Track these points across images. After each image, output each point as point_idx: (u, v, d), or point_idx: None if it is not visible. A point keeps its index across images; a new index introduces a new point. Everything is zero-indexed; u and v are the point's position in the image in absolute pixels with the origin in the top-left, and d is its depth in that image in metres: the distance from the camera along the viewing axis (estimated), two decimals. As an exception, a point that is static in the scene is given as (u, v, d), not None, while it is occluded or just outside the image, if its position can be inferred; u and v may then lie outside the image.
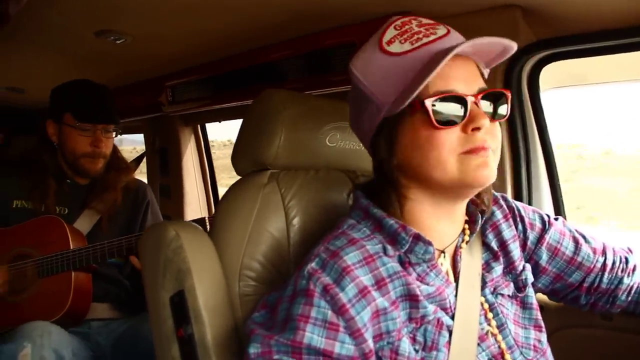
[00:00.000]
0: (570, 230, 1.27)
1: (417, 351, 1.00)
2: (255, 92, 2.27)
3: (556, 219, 1.28)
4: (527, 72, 1.67)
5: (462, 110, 0.96)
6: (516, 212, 1.24)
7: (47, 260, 1.97)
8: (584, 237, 1.27)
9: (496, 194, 1.24)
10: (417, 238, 1.02)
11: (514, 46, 0.99)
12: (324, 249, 1.02)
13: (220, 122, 2.84)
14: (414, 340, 1.01)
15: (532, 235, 1.23)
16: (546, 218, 1.26)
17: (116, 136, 2.14)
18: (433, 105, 0.95)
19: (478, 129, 0.97)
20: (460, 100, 0.97)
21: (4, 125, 3.40)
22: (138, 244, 1.30)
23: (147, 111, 2.99)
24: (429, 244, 1.03)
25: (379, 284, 0.99)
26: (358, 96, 1.06)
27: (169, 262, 1.16)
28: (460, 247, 1.13)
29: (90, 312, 2.06)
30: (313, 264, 0.99)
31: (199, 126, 3.14)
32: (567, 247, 1.24)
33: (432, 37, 1.00)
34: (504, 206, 1.23)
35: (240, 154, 1.37)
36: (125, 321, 2.14)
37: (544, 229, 1.24)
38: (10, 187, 2.08)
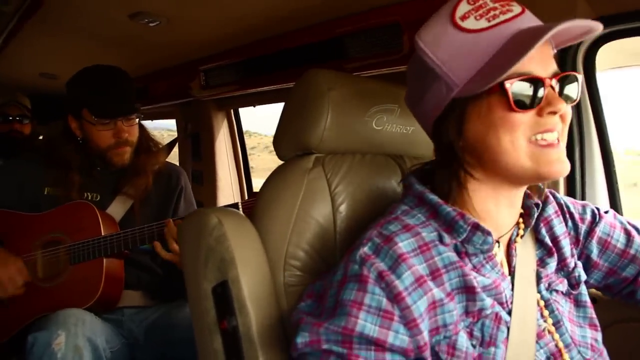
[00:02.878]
0: (621, 223, 1.21)
1: (474, 347, 0.95)
2: (292, 75, 2.26)
3: (606, 212, 1.22)
4: (582, 53, 1.57)
5: (540, 92, 0.91)
6: (565, 208, 1.19)
7: (79, 246, 1.94)
8: (637, 229, 1.21)
9: (545, 190, 1.17)
10: (476, 227, 0.97)
11: (599, 28, 0.93)
12: (376, 233, 0.96)
13: (254, 106, 2.78)
14: (471, 335, 0.96)
15: (582, 230, 1.18)
16: (596, 211, 1.21)
17: (139, 121, 2.08)
18: (512, 87, 0.90)
19: (554, 112, 0.92)
20: (538, 82, 0.91)
21: (37, 111, 3.37)
22: (177, 231, 1.25)
23: (180, 96, 2.94)
24: (488, 233, 0.97)
25: (434, 274, 0.94)
26: (422, 73, 0.99)
27: (212, 251, 1.10)
28: (515, 241, 1.07)
29: (123, 300, 2.03)
30: (365, 249, 0.94)
31: (232, 111, 3.08)
32: (619, 239, 1.18)
33: (509, 15, 0.94)
34: (554, 202, 1.18)
35: (283, 137, 1.31)
36: (158, 308, 2.11)
37: (594, 222, 1.19)
38: (41, 174, 2.05)
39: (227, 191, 3.04)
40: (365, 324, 0.86)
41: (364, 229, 1.02)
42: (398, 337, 0.87)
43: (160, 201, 2.17)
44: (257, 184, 3.23)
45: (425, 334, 0.89)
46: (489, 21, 0.92)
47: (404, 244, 0.93)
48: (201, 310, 1.13)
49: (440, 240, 0.97)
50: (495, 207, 1.02)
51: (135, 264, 2.07)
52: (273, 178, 1.25)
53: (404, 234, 0.95)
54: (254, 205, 1.24)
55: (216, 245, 1.10)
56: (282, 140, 1.31)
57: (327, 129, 1.23)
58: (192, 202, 2.29)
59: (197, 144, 3.13)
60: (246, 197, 3.07)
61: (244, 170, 3.11)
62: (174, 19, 2.07)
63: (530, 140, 0.92)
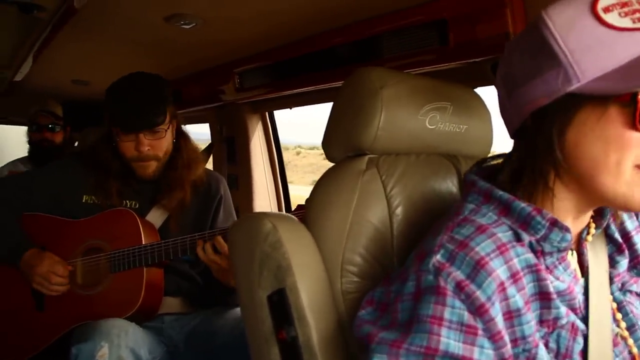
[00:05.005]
0: None
1: None
2: (330, 76, 2.22)
3: None
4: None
5: None
6: None
7: (120, 255, 1.92)
8: None
9: None
10: (554, 223, 0.90)
11: None
12: (447, 238, 0.90)
13: (290, 108, 2.74)
14: (546, 346, 0.89)
15: None
16: None
17: (166, 135, 2.00)
18: None
19: None
20: None
21: (69, 117, 3.37)
22: (227, 237, 1.21)
23: (214, 99, 2.91)
24: (567, 230, 0.90)
25: (515, 277, 0.87)
26: (539, 54, 0.89)
27: (267, 258, 1.06)
28: (585, 240, 1.01)
29: (162, 307, 2.01)
30: (438, 257, 0.87)
31: (267, 114, 3.04)
32: None
33: None
34: None
35: (333, 138, 1.26)
36: (197, 315, 2.09)
37: None
38: (79, 182, 2.03)
39: (263, 195, 3.00)
40: (449, 341, 0.81)
41: (422, 233, 0.97)
42: (484, 352, 0.81)
43: (199, 211, 2.13)
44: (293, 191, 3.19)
45: (509, 347, 0.84)
46: (634, 22, 0.84)
47: (481, 247, 0.86)
48: (256, 319, 1.08)
49: (517, 239, 0.91)
50: (573, 214, 0.96)
51: (175, 271, 2.04)
52: (325, 181, 1.21)
53: (479, 236, 0.88)
54: (305, 209, 1.20)
55: (271, 252, 1.05)
56: (332, 141, 1.26)
57: (380, 128, 1.18)
58: (232, 211, 2.25)
59: (232, 147, 3.10)
60: (282, 201, 3.03)
61: (279, 174, 3.07)
62: (210, 19, 2.03)
63: (636, 166, 0.84)
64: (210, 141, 3.26)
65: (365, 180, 1.17)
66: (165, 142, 2.00)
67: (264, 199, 2.99)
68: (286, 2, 1.83)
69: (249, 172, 3.01)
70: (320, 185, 1.20)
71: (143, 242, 1.91)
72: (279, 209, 3.04)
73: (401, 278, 0.91)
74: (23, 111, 3.41)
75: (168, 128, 2.00)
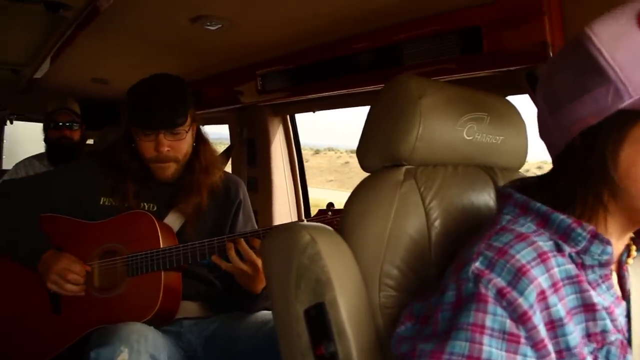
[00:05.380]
0: None
1: None
2: (356, 82, 2.19)
3: None
4: None
5: None
6: None
7: (137, 258, 1.89)
8: None
9: None
10: (595, 236, 0.87)
11: None
12: (485, 246, 0.87)
13: (314, 112, 2.71)
14: None
15: None
16: None
17: (186, 136, 1.97)
18: None
19: None
20: None
21: (88, 117, 3.36)
22: (260, 248, 1.18)
23: (235, 101, 2.89)
24: (607, 242, 0.87)
25: (555, 286, 0.84)
26: (585, 71, 0.86)
27: (305, 271, 1.03)
28: (626, 263, 0.98)
29: (181, 311, 1.97)
30: (477, 264, 0.85)
31: (288, 117, 3.02)
32: None
33: None
34: None
35: (369, 147, 1.24)
36: (215, 319, 2.05)
37: None
38: (97, 183, 2.00)
39: (283, 198, 2.97)
40: (491, 349, 0.79)
41: (460, 246, 0.95)
42: None
43: (217, 215, 2.10)
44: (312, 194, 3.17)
45: (554, 356, 0.81)
46: None
47: (521, 255, 0.84)
48: (291, 333, 1.06)
49: (557, 249, 0.88)
50: (617, 234, 0.93)
51: (193, 275, 2.01)
52: (361, 191, 1.18)
53: (519, 243, 0.86)
54: (341, 220, 1.17)
55: (310, 265, 1.03)
56: (368, 151, 1.24)
57: (419, 139, 1.16)
58: (251, 215, 2.21)
59: (252, 150, 3.08)
60: (302, 205, 3.01)
61: (300, 178, 3.05)
62: (237, 22, 2.01)
63: None
64: (228, 142, 3.25)
65: (403, 191, 1.14)
66: (185, 144, 1.97)
67: (283, 203, 2.97)
68: (317, 7, 1.81)
69: (269, 175, 2.98)
70: (357, 196, 1.18)
71: (161, 246, 1.88)
72: (299, 213, 3.01)
73: (440, 290, 0.89)
74: (40, 109, 3.38)
75: (188, 130, 1.97)
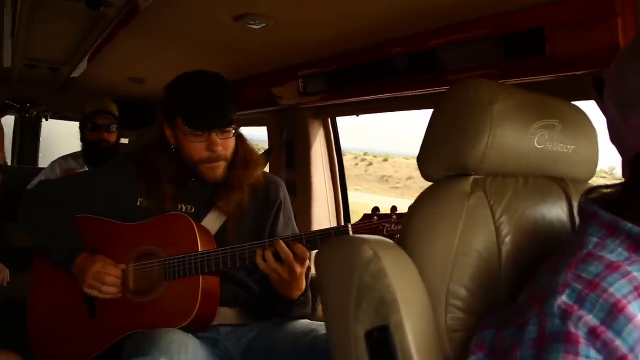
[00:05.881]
0: None
1: None
2: (401, 85, 2.11)
3: None
4: None
5: None
6: None
7: (175, 262, 1.83)
8: None
9: None
10: None
11: None
12: (573, 276, 0.77)
13: (357, 115, 2.63)
14: None
15: None
16: None
17: (235, 135, 1.92)
18: None
19: None
20: None
21: (124, 117, 3.34)
22: (314, 260, 1.10)
23: (274, 103, 2.83)
24: None
25: None
26: None
27: (368, 290, 0.95)
28: None
29: (218, 317, 1.91)
30: (564, 298, 0.75)
31: (329, 120, 2.94)
32: None
33: None
34: None
35: (432, 155, 1.15)
36: (253, 327, 1.98)
37: None
38: (134, 185, 1.96)
39: (322, 203, 2.89)
40: None
41: (533, 265, 0.87)
42: None
43: (258, 216, 2.03)
44: (353, 198, 3.09)
45: None
46: None
47: (615, 288, 0.74)
48: (349, 355, 0.97)
49: None
50: None
51: (231, 279, 1.94)
52: (424, 202, 1.10)
53: (612, 275, 0.76)
54: (402, 234, 1.09)
55: (374, 283, 0.94)
56: (431, 159, 1.15)
57: (489, 147, 1.07)
58: (292, 217, 2.14)
59: (291, 153, 3.01)
60: (342, 210, 2.93)
61: (340, 182, 2.97)
62: (282, 21, 1.94)
63: None
64: (266, 144, 3.19)
65: (471, 204, 1.05)
66: (233, 142, 1.92)
67: (322, 208, 2.89)
68: (365, 6, 1.73)
69: (309, 179, 2.91)
70: (420, 207, 1.09)
71: (199, 249, 1.82)
72: (338, 218, 2.93)
73: (517, 322, 0.80)
74: (77, 107, 3.38)
75: (236, 128, 1.93)
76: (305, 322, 1.93)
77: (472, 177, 1.10)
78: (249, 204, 1.97)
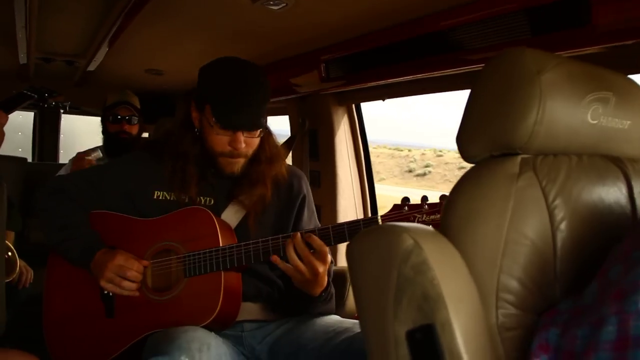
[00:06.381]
0: None
1: None
2: (431, 65, 1.99)
3: None
4: None
5: None
6: None
7: (195, 258, 1.76)
8: None
9: None
10: None
11: None
12: None
13: (383, 100, 2.52)
14: None
15: None
16: None
17: (260, 135, 1.84)
18: None
19: None
20: None
21: (141, 109, 3.28)
22: (346, 252, 0.99)
23: (295, 90, 2.73)
24: None
25: None
26: None
27: (408, 284, 0.84)
28: None
29: (241, 313, 1.83)
30: None
31: (353, 106, 2.84)
32: None
33: None
34: None
35: (473, 134, 1.04)
36: (280, 324, 1.91)
37: None
38: (151, 175, 1.89)
39: (348, 193, 2.79)
40: None
41: (593, 255, 0.80)
42: None
43: (280, 210, 1.96)
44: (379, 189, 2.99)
45: None
46: None
47: None
48: (388, 357, 0.87)
49: None
50: None
51: (254, 273, 1.87)
52: (467, 185, 0.99)
53: None
54: (443, 221, 0.98)
55: (415, 277, 0.83)
56: (473, 138, 1.04)
57: (538, 122, 0.96)
58: (314, 211, 2.07)
59: (314, 142, 2.92)
60: (369, 201, 2.83)
61: (366, 172, 2.87)
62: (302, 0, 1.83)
63: None
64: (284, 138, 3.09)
65: (521, 186, 0.94)
66: (257, 141, 1.85)
67: (348, 198, 2.78)
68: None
69: (333, 169, 2.81)
70: (462, 191, 0.98)
71: (220, 244, 1.75)
72: (365, 209, 2.83)
73: (589, 320, 0.69)
74: (95, 101, 3.34)
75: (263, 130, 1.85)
76: (335, 319, 1.85)
77: (520, 156, 0.99)
78: (271, 198, 1.91)
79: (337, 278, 2.07)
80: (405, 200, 1.65)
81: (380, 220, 1.63)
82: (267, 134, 1.92)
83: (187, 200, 1.85)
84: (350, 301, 2.13)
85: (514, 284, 0.89)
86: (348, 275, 2.12)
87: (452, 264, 0.86)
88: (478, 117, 1.04)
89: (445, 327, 0.80)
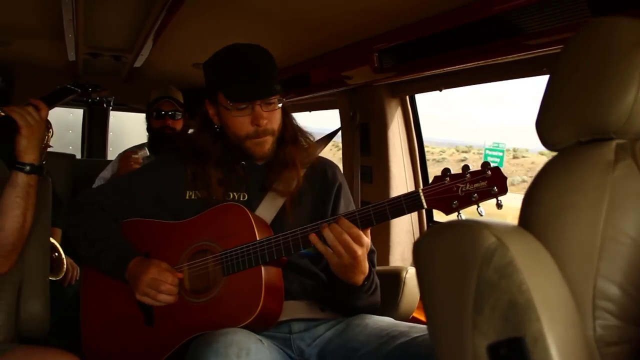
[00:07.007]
0: None
1: None
2: (497, 50, 1.85)
3: None
4: None
5: None
6: None
7: (232, 254, 1.70)
8: None
9: None
10: None
11: None
12: None
13: (440, 90, 2.40)
14: None
15: None
16: None
17: (280, 106, 1.82)
18: None
19: None
20: None
21: (188, 105, 3.26)
22: (413, 250, 0.88)
23: (346, 82, 2.63)
24: None
25: None
26: None
27: (492, 289, 0.72)
28: None
29: (286, 312, 1.76)
30: None
31: (407, 98, 2.72)
32: None
33: None
34: None
35: (558, 118, 0.92)
36: (330, 325, 1.81)
37: None
38: (179, 177, 1.86)
39: (401, 190, 2.65)
40: None
41: None
42: None
43: (316, 199, 1.91)
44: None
45: None
46: None
47: None
48: (465, 373, 0.75)
49: None
50: None
51: (296, 268, 1.80)
52: (552, 176, 0.86)
53: None
54: (523, 216, 0.85)
55: (500, 281, 0.71)
56: (556, 122, 0.92)
57: (638, 102, 0.82)
58: (351, 200, 2.01)
59: (366, 136, 2.82)
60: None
61: (420, 167, 2.75)
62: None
63: None
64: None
65: (618, 175, 0.82)
66: (278, 114, 1.83)
67: (402, 195, 2.68)
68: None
69: (386, 165, 2.70)
70: (547, 182, 0.85)
71: (257, 238, 1.69)
72: (420, 207, 2.72)
73: None
74: (142, 98, 3.35)
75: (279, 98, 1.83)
76: (390, 322, 1.75)
77: (614, 142, 0.86)
78: (305, 187, 1.87)
79: (389, 277, 2.02)
80: (446, 171, 1.57)
81: (422, 194, 1.55)
82: (287, 115, 1.91)
83: (215, 199, 1.82)
84: (404, 303, 2.05)
85: (613, 290, 0.76)
86: (402, 275, 2.03)
87: (542, 266, 0.74)
88: (562, 99, 0.91)
89: (538, 342, 0.67)
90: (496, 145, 4.96)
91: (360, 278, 1.67)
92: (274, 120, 1.80)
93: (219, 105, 1.80)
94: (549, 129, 0.92)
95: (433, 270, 0.82)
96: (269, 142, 1.81)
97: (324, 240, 1.62)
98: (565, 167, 0.86)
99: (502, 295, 0.71)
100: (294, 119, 1.94)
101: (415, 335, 1.58)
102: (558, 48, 1.60)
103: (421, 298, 0.86)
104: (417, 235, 2.71)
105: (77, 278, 2.67)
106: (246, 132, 1.78)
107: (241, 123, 1.77)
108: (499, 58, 1.90)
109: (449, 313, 0.78)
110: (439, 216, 2.74)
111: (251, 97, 1.75)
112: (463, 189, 1.53)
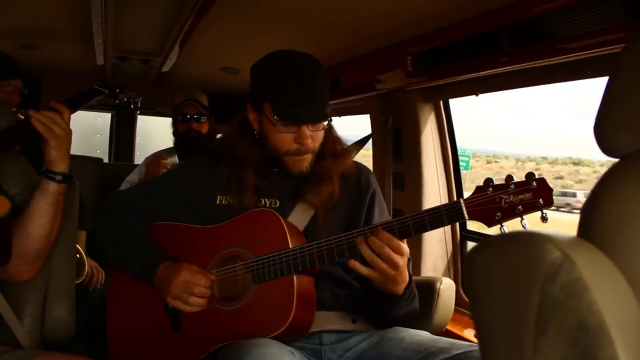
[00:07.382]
0: None
1: None
2: (535, 53, 1.79)
3: None
4: None
5: None
6: None
7: (264, 262, 1.66)
8: None
9: None
10: None
11: None
12: None
13: (477, 95, 2.34)
14: None
15: None
16: None
17: (325, 128, 1.77)
18: None
19: None
20: None
21: (217, 109, 3.26)
22: (465, 262, 0.82)
23: (377, 86, 2.59)
24: None
25: None
26: None
27: (557, 309, 0.65)
28: None
29: (318, 323, 1.72)
30: None
31: (441, 102, 2.68)
32: None
33: None
34: None
35: (620, 121, 0.84)
36: (363, 337, 1.76)
37: None
38: (211, 180, 1.83)
39: (434, 198, 2.62)
40: None
41: None
42: None
43: (350, 207, 1.87)
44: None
45: None
46: None
47: None
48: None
49: None
50: None
51: (329, 277, 1.76)
52: (618, 185, 0.79)
53: None
54: (586, 228, 0.79)
55: (567, 300, 0.64)
56: (619, 126, 0.84)
57: None
58: (385, 207, 1.97)
59: (398, 142, 2.77)
60: None
61: (454, 174, 2.70)
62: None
63: None
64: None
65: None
66: (322, 134, 1.78)
67: (435, 203, 2.61)
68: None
69: (419, 171, 2.65)
70: (611, 192, 0.78)
71: (290, 246, 1.65)
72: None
73: None
74: (170, 102, 3.35)
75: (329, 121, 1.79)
76: (427, 337, 1.69)
77: (688, 148, 0.79)
78: (339, 195, 1.83)
79: (423, 288, 1.96)
80: (489, 181, 1.53)
81: (463, 205, 1.51)
82: (329, 128, 1.85)
83: (246, 206, 1.78)
84: (438, 315, 2.01)
85: (692, 311, 0.69)
86: (436, 286, 1.97)
87: (613, 283, 0.67)
88: (626, 99, 0.84)
89: (615, 369, 0.60)
90: (462, 151, 5.05)
91: (401, 287, 1.64)
92: (317, 140, 1.77)
93: (263, 115, 1.75)
94: (609, 134, 0.85)
95: (487, 285, 0.75)
96: (308, 159, 1.78)
97: (362, 257, 1.57)
98: (632, 174, 0.79)
99: (570, 316, 0.64)
100: (334, 131, 1.89)
101: (457, 352, 1.52)
102: (598, 51, 1.58)
103: (472, 314, 0.80)
104: (449, 244, 2.66)
105: (102, 282, 2.67)
106: (287, 148, 1.74)
107: (284, 139, 1.73)
108: (534, 62, 1.87)
109: (505, 333, 0.71)
110: (471, 225, 2.68)
111: (301, 120, 1.70)
112: (506, 201, 1.48)
